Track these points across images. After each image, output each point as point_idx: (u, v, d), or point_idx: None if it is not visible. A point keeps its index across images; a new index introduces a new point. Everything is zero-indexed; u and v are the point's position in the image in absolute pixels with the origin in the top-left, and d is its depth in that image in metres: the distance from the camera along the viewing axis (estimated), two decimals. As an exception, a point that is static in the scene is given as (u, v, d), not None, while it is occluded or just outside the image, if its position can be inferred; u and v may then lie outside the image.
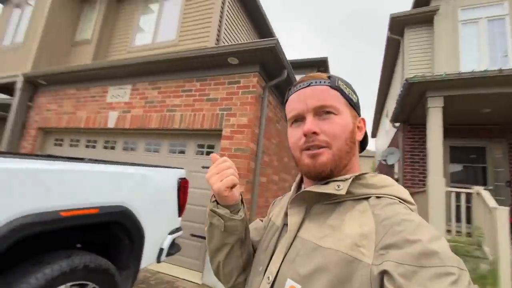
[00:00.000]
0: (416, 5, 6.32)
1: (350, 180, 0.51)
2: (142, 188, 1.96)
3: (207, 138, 3.83)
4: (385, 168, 8.74)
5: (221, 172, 0.57)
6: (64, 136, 5.43)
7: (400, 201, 0.49)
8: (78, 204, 1.42)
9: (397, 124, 6.02)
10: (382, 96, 9.78)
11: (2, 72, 6.28)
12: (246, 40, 6.34)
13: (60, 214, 1.31)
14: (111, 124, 4.54)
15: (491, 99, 4.07)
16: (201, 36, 5.02)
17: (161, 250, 2.13)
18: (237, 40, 5.83)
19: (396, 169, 6.89)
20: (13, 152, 4.78)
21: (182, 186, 2.36)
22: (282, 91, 4.33)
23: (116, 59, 5.48)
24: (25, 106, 5.81)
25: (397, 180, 6.21)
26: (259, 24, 6.79)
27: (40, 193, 1.27)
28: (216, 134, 3.68)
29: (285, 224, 0.59)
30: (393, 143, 7.06)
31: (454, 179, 5.36)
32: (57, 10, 6.15)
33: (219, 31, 5.08)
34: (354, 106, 0.58)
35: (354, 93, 0.59)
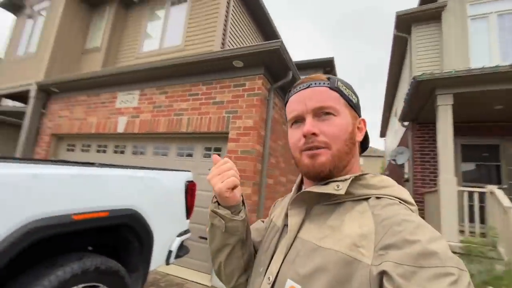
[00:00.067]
0: (423, 1, 6.24)
1: (349, 180, 0.51)
2: (150, 191, 2.00)
3: (214, 141, 3.87)
4: (395, 168, 8.59)
5: (222, 173, 0.57)
6: (76, 141, 5.58)
7: (400, 202, 0.49)
8: (89, 207, 1.46)
9: (406, 123, 5.92)
10: (390, 95, 9.65)
11: (16, 81, 6.52)
12: (251, 42, 6.39)
13: (73, 218, 1.35)
14: (120, 129, 4.64)
15: (503, 95, 3.96)
16: (207, 41, 5.08)
17: (170, 252, 2.15)
18: (242, 43, 5.88)
19: (406, 169, 6.77)
20: (28, 158, 4.95)
21: (190, 189, 2.38)
22: (287, 92, 4.33)
23: (125, 65, 5.60)
24: (38, 113, 6.00)
25: (407, 180, 6.10)
26: (264, 26, 6.83)
27: (54, 197, 1.31)
28: (222, 136, 3.71)
29: (285, 225, 0.59)
30: (403, 142, 6.95)
31: (466, 178, 5.22)
32: (68, 20, 6.35)
33: (224, 35, 5.14)
34: (354, 107, 0.58)
35: (354, 94, 0.59)
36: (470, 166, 5.37)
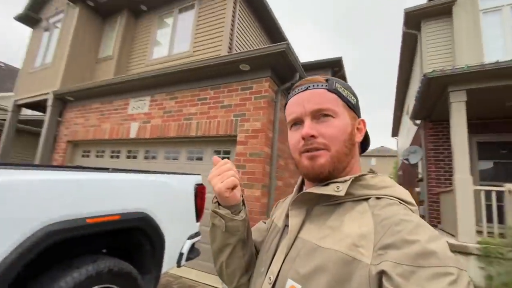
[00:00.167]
0: (431, -3, 6.10)
1: (349, 182, 0.51)
2: (161, 195, 2.04)
3: (223, 144, 3.91)
4: (408, 168, 8.39)
5: (222, 174, 0.58)
6: (91, 147, 5.76)
7: (400, 202, 0.50)
8: (102, 211, 1.51)
9: (418, 122, 5.78)
10: (401, 93, 9.45)
11: (34, 91, 6.82)
12: (258, 45, 6.43)
13: (86, 221, 1.41)
14: (132, 134, 4.77)
15: (520, 90, 3.82)
16: (214, 46, 5.16)
17: (181, 254, 2.19)
18: (249, 46, 5.93)
19: (419, 169, 6.60)
20: (46, 164, 5.15)
21: (199, 192, 2.42)
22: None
23: (136, 72, 5.76)
24: (55, 121, 6.25)
25: (421, 180, 5.95)
26: (270, 28, 6.86)
27: (69, 201, 1.37)
28: (231, 139, 3.75)
29: (286, 226, 0.59)
30: (415, 141, 6.78)
31: (483, 177, 5.03)
32: (81, 31, 6.61)
33: (231, 39, 5.20)
34: (353, 107, 0.58)
35: (353, 94, 0.60)
36: (487, 164, 5.18)
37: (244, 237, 0.64)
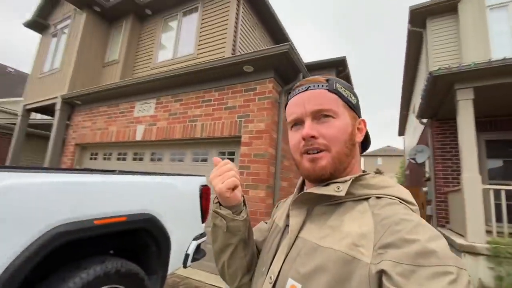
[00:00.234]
0: (437, -6, 6.03)
1: (349, 182, 0.52)
2: (167, 196, 2.06)
3: (227, 145, 3.93)
4: (415, 167, 8.28)
5: (222, 174, 0.58)
6: (98, 150, 5.85)
7: (400, 202, 0.50)
8: (109, 212, 1.54)
9: (425, 120, 5.71)
10: (407, 92, 9.35)
11: (43, 96, 6.97)
12: (262, 46, 6.45)
13: (94, 222, 1.43)
14: (138, 137, 4.83)
15: (529, 87, 3.74)
16: (218, 47, 5.20)
17: (187, 255, 2.20)
18: (252, 47, 5.95)
19: (427, 168, 6.51)
20: (54, 167, 5.25)
21: (204, 193, 2.44)
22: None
23: (141, 75, 5.84)
24: (64, 124, 6.37)
25: (428, 179, 5.86)
26: (273, 29, 6.87)
27: (78, 203, 1.40)
28: (235, 141, 3.76)
29: (287, 225, 0.59)
30: (422, 140, 6.70)
31: (492, 176, 4.93)
32: (88, 36, 6.73)
33: (234, 40, 5.23)
34: (354, 107, 0.58)
35: (354, 94, 0.60)
36: (497, 163, 5.07)
37: (245, 237, 0.64)
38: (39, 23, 7.86)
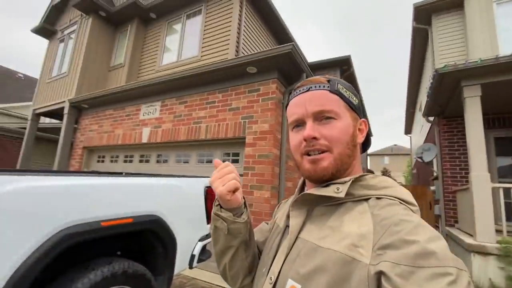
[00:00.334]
0: (442, -10, 5.94)
1: (349, 183, 0.52)
2: (172, 197, 2.08)
3: (232, 147, 3.95)
4: (423, 166, 8.17)
5: (223, 177, 0.58)
6: (105, 153, 5.94)
7: (400, 202, 0.49)
8: (115, 214, 1.56)
9: (431, 118, 5.63)
10: (413, 90, 9.23)
11: (52, 100, 7.12)
12: (265, 47, 6.45)
13: (101, 224, 1.46)
14: (144, 139, 4.89)
15: (538, 82, 3.66)
16: (222, 49, 5.23)
17: (193, 256, 2.21)
18: (256, 48, 5.96)
19: (434, 166, 6.42)
20: (63, 170, 5.35)
21: (209, 194, 2.45)
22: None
23: (147, 79, 5.91)
24: (71, 128, 6.49)
25: (436, 178, 5.78)
26: (276, 29, 6.88)
27: (85, 205, 1.43)
28: (240, 142, 3.78)
29: (287, 226, 0.59)
30: (429, 139, 6.61)
31: (502, 174, 4.83)
32: (94, 41, 6.85)
33: (237, 42, 5.26)
34: (355, 108, 0.58)
35: (355, 95, 0.59)
36: (506, 161, 4.97)
37: (246, 239, 0.64)
38: (46, 29, 8.03)
